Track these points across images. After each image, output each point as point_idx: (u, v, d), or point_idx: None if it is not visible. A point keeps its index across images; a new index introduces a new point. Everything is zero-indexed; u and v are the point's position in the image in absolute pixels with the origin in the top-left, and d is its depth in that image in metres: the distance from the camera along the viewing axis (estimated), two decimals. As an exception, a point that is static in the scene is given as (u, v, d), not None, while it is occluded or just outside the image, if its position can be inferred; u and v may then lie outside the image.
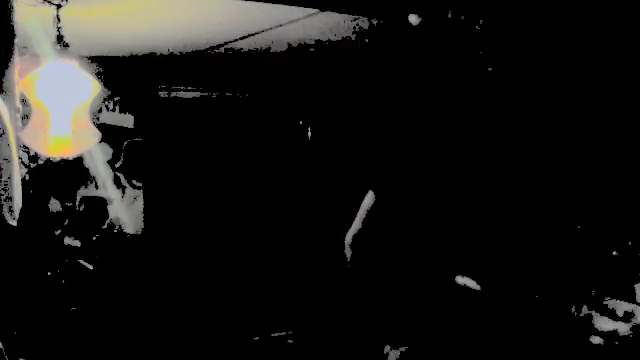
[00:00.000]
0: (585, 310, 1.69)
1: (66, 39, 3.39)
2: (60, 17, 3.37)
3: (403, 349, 2.39)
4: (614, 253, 1.71)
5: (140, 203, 5.28)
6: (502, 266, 1.93)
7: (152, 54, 4.94)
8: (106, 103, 5.22)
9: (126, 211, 5.15)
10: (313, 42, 4.64)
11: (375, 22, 4.22)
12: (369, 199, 2.38)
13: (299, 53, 4.90)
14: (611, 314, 1.68)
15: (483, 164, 2.06)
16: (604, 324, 1.67)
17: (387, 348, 2.45)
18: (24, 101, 3.28)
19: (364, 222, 2.48)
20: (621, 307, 1.67)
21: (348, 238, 2.56)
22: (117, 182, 5.20)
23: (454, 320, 2.30)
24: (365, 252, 2.49)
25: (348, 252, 2.48)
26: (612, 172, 1.80)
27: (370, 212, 2.38)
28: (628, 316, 1.66)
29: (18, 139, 3.02)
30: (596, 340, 1.70)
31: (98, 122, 5.02)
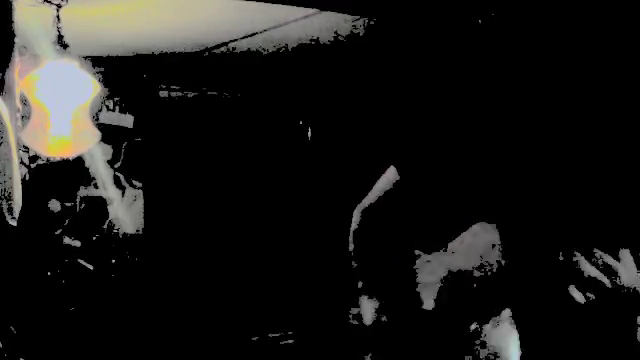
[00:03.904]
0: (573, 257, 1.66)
1: (66, 39, 3.40)
2: (60, 17, 3.37)
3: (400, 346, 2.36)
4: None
5: (140, 203, 5.28)
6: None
7: (152, 54, 4.94)
8: (106, 103, 5.22)
9: (126, 211, 5.15)
10: (313, 42, 4.64)
11: (375, 22, 4.22)
12: (388, 177, 2.22)
13: (299, 53, 4.89)
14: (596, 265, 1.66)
15: (490, 166, 2.04)
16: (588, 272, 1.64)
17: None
18: (24, 101, 3.28)
19: (378, 199, 2.30)
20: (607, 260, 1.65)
21: (357, 211, 2.34)
22: (117, 182, 5.20)
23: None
24: (373, 228, 2.33)
25: (355, 223, 2.28)
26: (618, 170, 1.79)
27: (387, 191, 2.24)
28: (610, 271, 1.64)
29: (18, 139, 3.02)
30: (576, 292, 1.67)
31: (98, 122, 5.02)
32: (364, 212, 2.28)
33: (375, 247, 2.25)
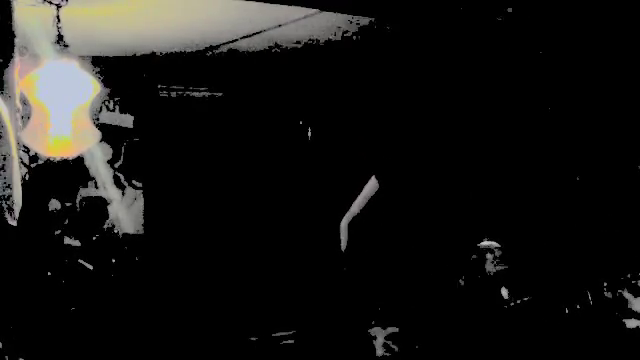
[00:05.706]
0: (621, 292, 1.65)
1: (66, 39, 3.39)
2: (60, 17, 3.37)
3: (391, 330, 2.37)
4: None
5: (140, 203, 5.28)
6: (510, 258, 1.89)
7: (152, 54, 4.94)
8: (106, 103, 5.22)
9: (126, 211, 5.16)
10: (313, 42, 4.65)
11: (375, 22, 4.22)
12: (371, 187, 2.32)
13: (299, 53, 4.90)
14: None
15: (483, 162, 2.05)
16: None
17: (375, 329, 2.42)
18: (24, 101, 3.27)
19: (362, 208, 2.42)
20: None
21: (344, 223, 2.49)
22: (117, 182, 5.20)
23: (446, 310, 2.28)
24: (359, 237, 2.42)
25: (343, 236, 2.39)
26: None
27: (370, 200, 2.32)
28: None
29: (18, 139, 3.02)
30: (632, 323, 1.66)
31: (98, 122, 5.02)
32: (351, 226, 2.38)
33: (359, 244, 2.33)
